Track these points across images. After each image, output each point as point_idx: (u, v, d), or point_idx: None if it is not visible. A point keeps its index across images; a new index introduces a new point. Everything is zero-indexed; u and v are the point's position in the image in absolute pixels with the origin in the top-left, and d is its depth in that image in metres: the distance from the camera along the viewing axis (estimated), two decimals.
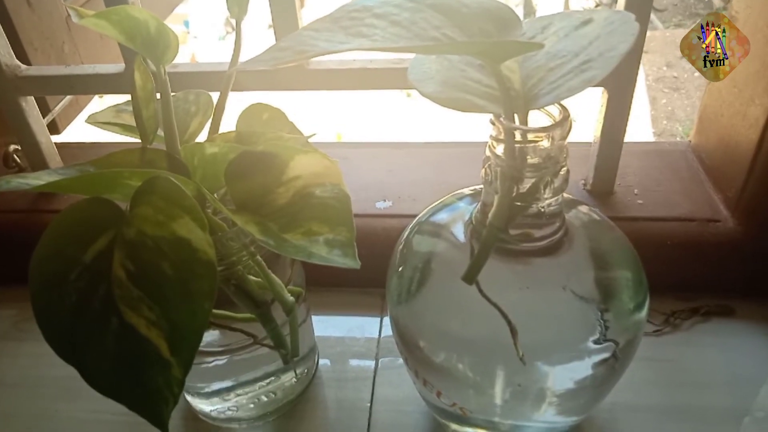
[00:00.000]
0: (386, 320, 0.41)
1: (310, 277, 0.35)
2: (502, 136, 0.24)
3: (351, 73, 0.38)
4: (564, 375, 0.26)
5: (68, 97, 0.57)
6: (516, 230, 0.26)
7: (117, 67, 0.41)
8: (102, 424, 0.36)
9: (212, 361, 0.32)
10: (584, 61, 0.23)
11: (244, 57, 0.28)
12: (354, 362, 0.38)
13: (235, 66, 0.31)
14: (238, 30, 0.30)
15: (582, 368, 0.26)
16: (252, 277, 0.30)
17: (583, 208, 0.30)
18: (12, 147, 0.49)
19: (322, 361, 0.38)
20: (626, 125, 0.38)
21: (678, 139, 2.08)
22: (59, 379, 0.38)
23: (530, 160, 0.24)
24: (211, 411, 0.35)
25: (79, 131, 0.62)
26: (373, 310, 0.42)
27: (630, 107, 0.37)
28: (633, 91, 0.37)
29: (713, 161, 0.43)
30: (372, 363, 0.38)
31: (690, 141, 0.47)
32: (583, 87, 0.22)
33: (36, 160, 0.45)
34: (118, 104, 0.35)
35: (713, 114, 0.43)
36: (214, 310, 0.23)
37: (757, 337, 0.38)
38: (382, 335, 0.40)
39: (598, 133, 0.39)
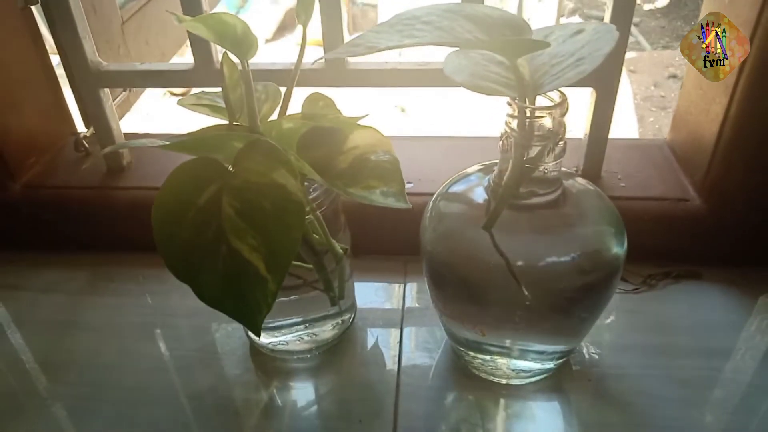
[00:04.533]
0: (409, 281, 0.49)
1: None
2: (516, 114, 0.32)
3: (385, 72, 0.46)
4: (560, 297, 0.34)
5: (123, 95, 0.64)
6: (524, 189, 0.34)
7: (187, 65, 0.48)
8: (175, 359, 0.43)
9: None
10: (578, 59, 0.31)
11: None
12: (384, 313, 0.46)
13: (300, 62, 0.38)
14: (304, 34, 0.38)
15: (574, 292, 0.34)
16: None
17: (580, 180, 0.38)
18: (81, 134, 0.56)
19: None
20: (611, 118, 0.46)
21: None
22: (135, 325, 0.46)
23: (537, 133, 0.32)
24: (267, 344, 0.42)
25: (129, 123, 0.69)
26: (398, 273, 0.49)
27: (614, 104, 0.46)
28: (617, 90, 0.45)
29: (684, 152, 0.51)
30: (399, 313, 0.45)
31: (665, 139, 0.55)
32: (577, 77, 0.30)
33: (108, 143, 0.52)
34: (197, 93, 0.42)
35: (684, 113, 0.51)
36: None
37: (719, 295, 0.46)
38: (406, 293, 0.47)
39: (589, 124, 0.47)
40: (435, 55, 0.42)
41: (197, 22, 0.35)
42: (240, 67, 0.36)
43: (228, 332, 0.44)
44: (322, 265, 0.39)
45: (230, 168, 0.32)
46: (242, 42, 0.36)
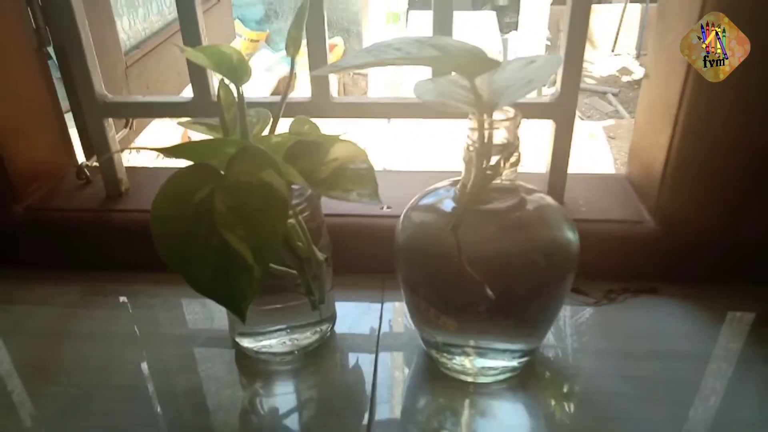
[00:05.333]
0: (386, 296, 0.52)
1: None
2: (476, 126, 0.36)
3: (366, 105, 0.51)
4: (520, 292, 0.38)
5: (123, 131, 0.69)
6: (487, 195, 0.38)
7: (186, 98, 0.53)
8: (160, 363, 0.45)
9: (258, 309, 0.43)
10: (529, 80, 0.36)
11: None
12: (362, 323, 0.49)
13: (288, 92, 0.43)
14: (292, 65, 0.43)
15: (533, 286, 0.37)
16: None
17: (540, 194, 0.42)
18: (83, 163, 0.60)
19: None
20: (570, 143, 0.51)
21: None
22: (123, 334, 0.48)
23: (495, 143, 0.37)
24: (252, 347, 0.44)
25: (129, 159, 0.73)
26: (376, 288, 0.52)
27: (571, 133, 0.51)
28: (573, 121, 0.50)
29: (638, 181, 0.56)
30: (377, 321, 0.48)
31: (624, 173, 0.60)
32: (527, 92, 0.35)
33: (109, 171, 0.56)
34: (193, 118, 0.47)
35: (638, 147, 0.56)
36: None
37: (674, 308, 0.49)
38: (384, 306, 0.50)
39: (550, 152, 0.52)
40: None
41: (198, 51, 0.40)
42: (235, 92, 0.41)
43: (214, 340, 0.47)
44: (304, 270, 0.42)
45: (222, 173, 0.36)
46: (237, 69, 0.41)
